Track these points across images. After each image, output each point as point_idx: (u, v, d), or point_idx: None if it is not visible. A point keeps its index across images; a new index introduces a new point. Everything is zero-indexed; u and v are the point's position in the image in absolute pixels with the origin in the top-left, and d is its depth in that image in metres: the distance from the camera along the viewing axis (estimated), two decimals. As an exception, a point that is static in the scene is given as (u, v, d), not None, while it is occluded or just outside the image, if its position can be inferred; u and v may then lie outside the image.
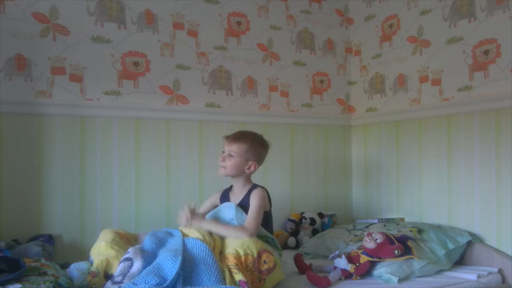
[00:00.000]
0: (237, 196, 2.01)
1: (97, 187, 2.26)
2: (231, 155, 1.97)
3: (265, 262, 1.68)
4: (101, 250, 1.69)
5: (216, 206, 2.00)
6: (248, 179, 2.03)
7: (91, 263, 1.68)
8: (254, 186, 2.01)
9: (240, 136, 2.00)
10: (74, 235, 2.19)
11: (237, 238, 1.75)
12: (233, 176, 2.01)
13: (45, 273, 1.52)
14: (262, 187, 2.00)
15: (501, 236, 2.13)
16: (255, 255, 1.67)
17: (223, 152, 2.00)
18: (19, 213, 2.09)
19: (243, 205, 1.93)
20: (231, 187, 2.09)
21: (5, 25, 2.09)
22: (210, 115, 2.55)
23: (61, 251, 2.13)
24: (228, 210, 1.88)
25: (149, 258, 1.62)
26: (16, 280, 1.42)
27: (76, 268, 1.66)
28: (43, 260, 1.65)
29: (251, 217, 1.86)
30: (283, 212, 2.71)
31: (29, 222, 2.11)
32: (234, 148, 1.97)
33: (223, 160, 1.98)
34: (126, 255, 1.61)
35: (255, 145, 2.01)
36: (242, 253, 1.66)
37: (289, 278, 1.88)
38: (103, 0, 2.30)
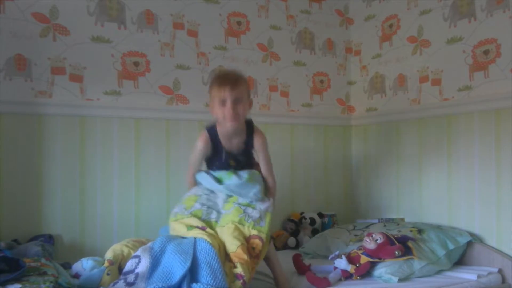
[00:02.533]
0: (235, 139, 1.85)
1: (97, 187, 2.26)
2: (239, 100, 1.76)
3: (253, 248, 1.69)
4: (116, 247, 1.77)
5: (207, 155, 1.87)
6: None
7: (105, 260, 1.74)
8: (249, 124, 1.86)
9: (236, 78, 1.79)
10: (74, 235, 2.19)
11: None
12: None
13: (45, 273, 1.52)
14: (258, 129, 1.89)
15: (501, 236, 2.13)
16: (245, 243, 1.68)
17: (223, 101, 1.75)
18: (19, 213, 2.09)
19: (247, 148, 1.87)
20: (215, 130, 1.86)
21: (5, 25, 2.09)
22: (210, 115, 2.54)
23: (61, 251, 2.13)
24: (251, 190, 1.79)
25: (157, 255, 1.63)
26: (16, 280, 1.42)
27: (90, 259, 1.73)
28: (43, 260, 1.65)
29: (269, 171, 1.86)
30: (283, 212, 2.71)
31: (29, 222, 2.11)
32: (240, 91, 1.76)
33: (233, 108, 1.74)
34: (135, 253, 1.66)
35: (246, 82, 1.85)
36: (235, 248, 1.65)
37: (289, 279, 1.88)
38: (103, 0, 2.30)
